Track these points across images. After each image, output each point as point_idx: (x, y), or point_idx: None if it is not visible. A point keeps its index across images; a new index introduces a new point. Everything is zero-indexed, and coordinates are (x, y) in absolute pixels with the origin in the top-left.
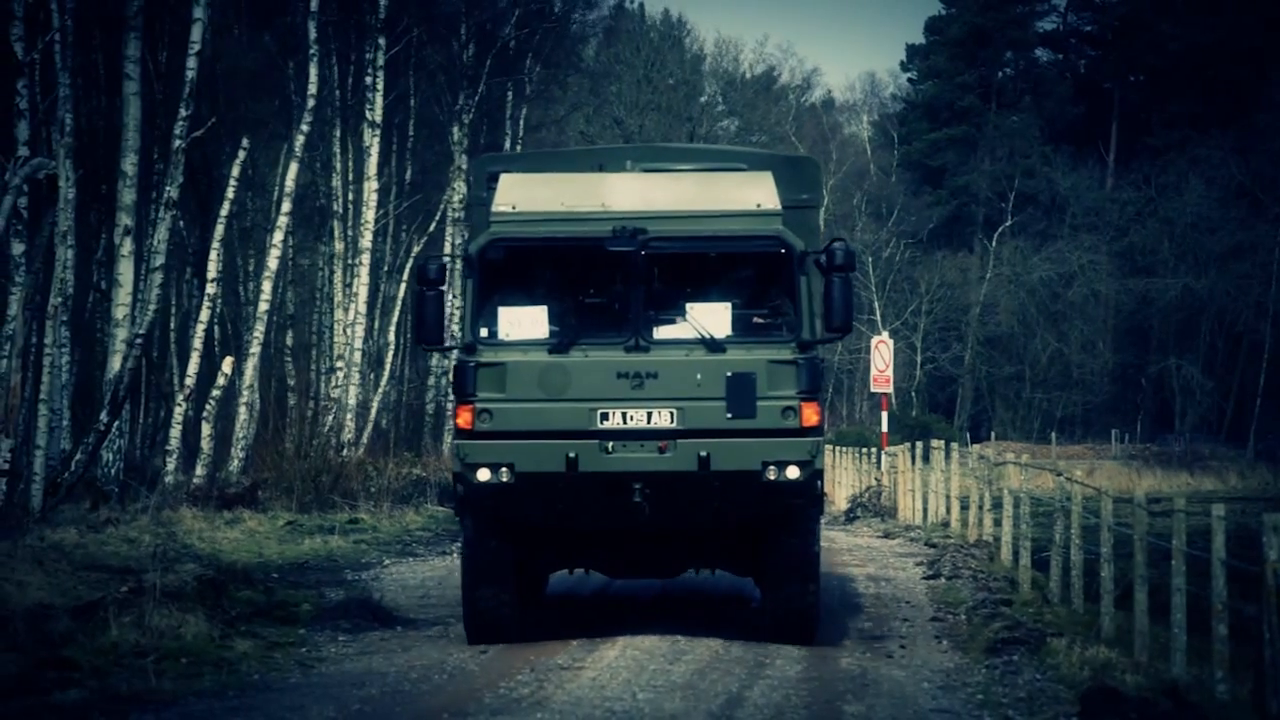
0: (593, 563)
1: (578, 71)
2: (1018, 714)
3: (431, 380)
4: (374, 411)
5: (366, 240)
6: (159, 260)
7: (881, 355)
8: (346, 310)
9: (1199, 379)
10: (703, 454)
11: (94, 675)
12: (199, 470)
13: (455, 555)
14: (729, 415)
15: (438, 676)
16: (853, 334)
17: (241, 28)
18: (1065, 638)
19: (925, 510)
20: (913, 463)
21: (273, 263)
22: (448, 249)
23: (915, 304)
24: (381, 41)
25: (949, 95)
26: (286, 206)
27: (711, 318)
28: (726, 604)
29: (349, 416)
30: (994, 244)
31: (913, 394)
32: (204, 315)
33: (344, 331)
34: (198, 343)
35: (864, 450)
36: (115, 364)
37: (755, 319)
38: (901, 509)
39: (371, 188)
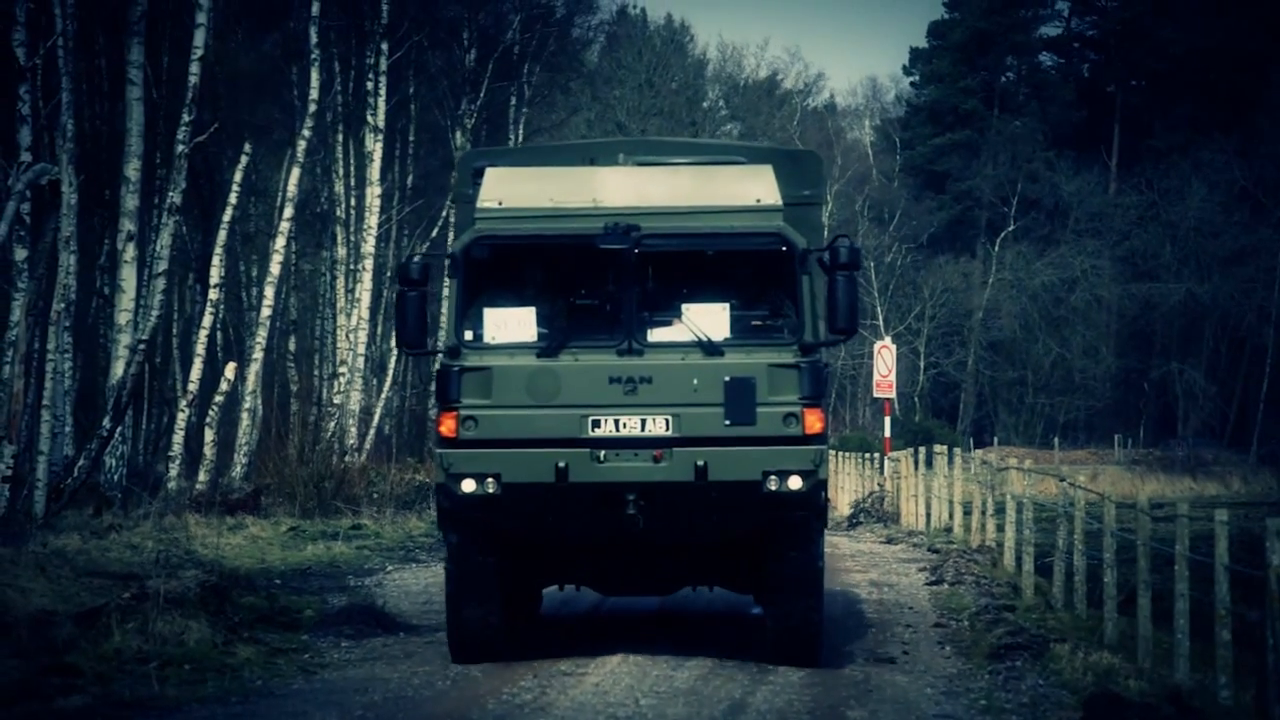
0: (584, 579)
1: (580, 76)
2: None
3: (434, 386)
4: (377, 417)
5: (369, 245)
6: (161, 266)
7: (884, 360)
8: (349, 316)
9: (1202, 384)
10: (700, 463)
11: (97, 681)
12: (202, 476)
13: None
14: (727, 422)
15: (441, 682)
16: (855, 339)
17: (243, 33)
18: (1068, 643)
19: (928, 516)
20: (915, 468)
21: (275, 268)
22: None
23: (918, 309)
24: (384, 46)
25: (952, 100)
26: (289, 212)
27: (709, 319)
28: (728, 623)
29: (352, 422)
30: (996, 249)
31: (915, 399)
32: (206, 321)
33: (347, 337)
34: (200, 348)
35: (867, 456)
36: (118, 370)
37: (755, 320)
38: (904, 515)
39: (374, 193)
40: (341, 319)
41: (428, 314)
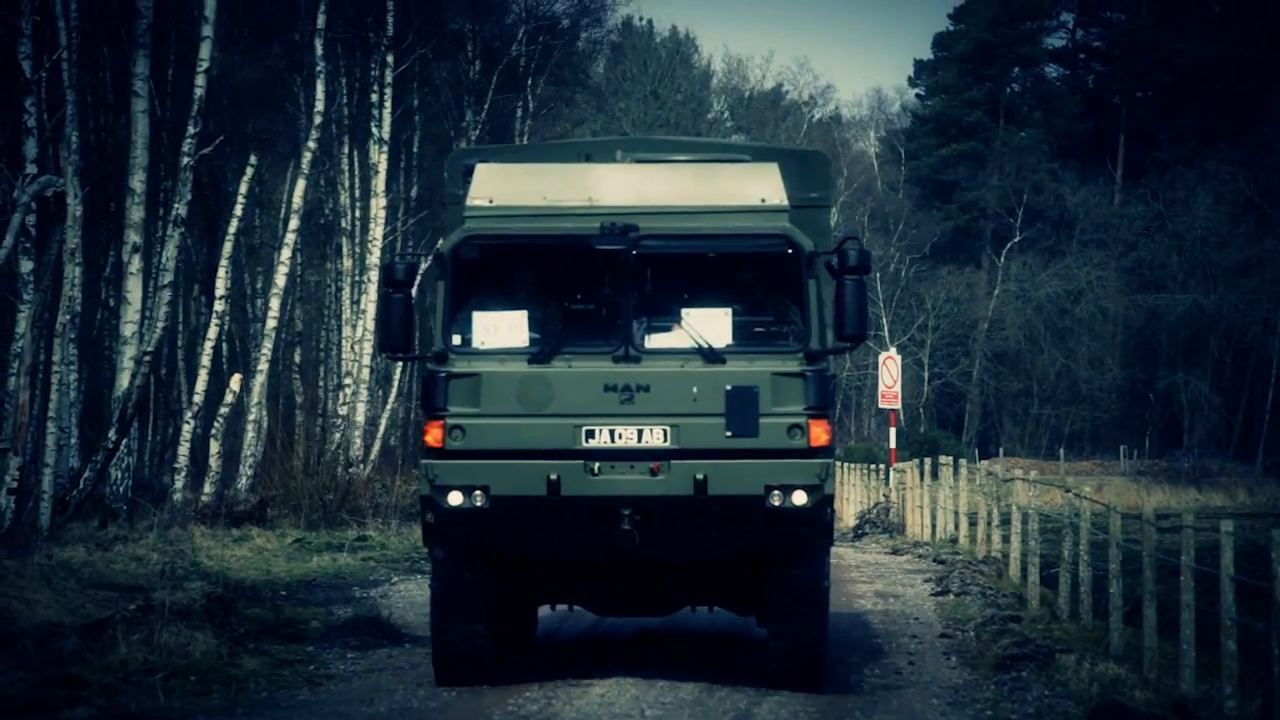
0: (577, 598)
1: (585, 88)
2: None
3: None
4: (382, 428)
5: (374, 257)
6: (167, 278)
7: (889, 371)
8: (354, 327)
9: (1207, 395)
10: (699, 476)
11: (103, 693)
12: (207, 488)
13: None
14: (729, 434)
15: (446, 694)
16: (860, 349)
17: (248, 45)
18: (1074, 654)
19: (934, 527)
20: (921, 479)
21: (280, 280)
22: None
23: (922, 320)
24: (389, 58)
25: (957, 111)
26: (294, 223)
27: (710, 324)
28: (731, 643)
29: (357, 434)
30: (1002, 260)
31: (921, 410)
32: (212, 332)
33: (352, 348)
34: (206, 360)
35: (872, 467)
36: (123, 381)
37: (758, 326)
38: (910, 525)
39: (379, 204)
40: (347, 330)
41: (415, 317)
